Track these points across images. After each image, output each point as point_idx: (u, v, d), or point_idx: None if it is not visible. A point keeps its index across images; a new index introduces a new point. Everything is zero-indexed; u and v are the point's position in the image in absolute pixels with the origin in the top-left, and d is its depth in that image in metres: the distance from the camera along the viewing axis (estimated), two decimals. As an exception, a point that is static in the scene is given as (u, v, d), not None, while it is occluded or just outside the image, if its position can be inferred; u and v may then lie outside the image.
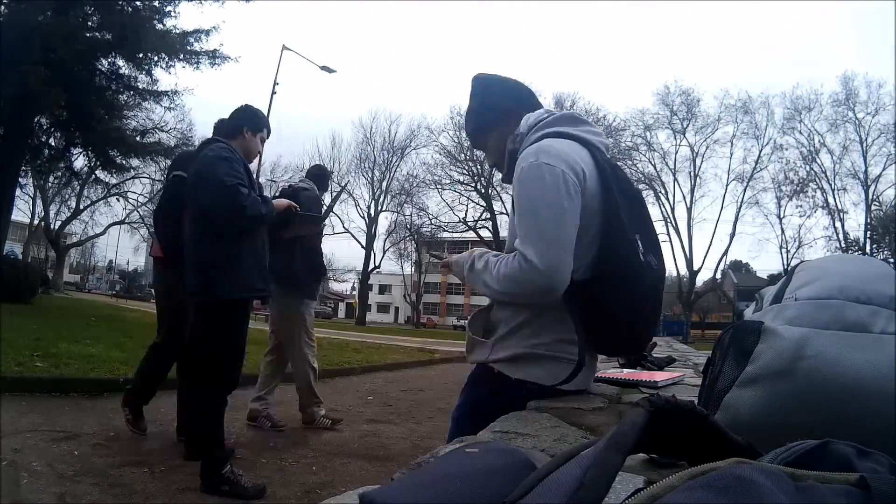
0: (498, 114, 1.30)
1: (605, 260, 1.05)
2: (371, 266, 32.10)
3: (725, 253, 28.43)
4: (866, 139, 25.04)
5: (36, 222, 27.84)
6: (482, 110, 1.33)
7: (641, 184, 27.55)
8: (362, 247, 31.34)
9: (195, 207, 2.25)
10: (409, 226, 30.30)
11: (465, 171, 28.57)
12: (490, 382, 1.15)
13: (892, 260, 23.31)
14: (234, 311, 2.25)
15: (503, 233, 28.77)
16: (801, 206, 26.33)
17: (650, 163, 28.08)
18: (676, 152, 27.95)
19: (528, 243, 1.02)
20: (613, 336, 1.13)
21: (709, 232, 28.03)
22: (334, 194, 11.87)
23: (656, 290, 1.12)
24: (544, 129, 1.16)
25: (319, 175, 3.81)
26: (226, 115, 2.62)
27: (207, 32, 11.42)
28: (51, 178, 20.85)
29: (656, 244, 1.15)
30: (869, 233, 25.56)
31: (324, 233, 4.11)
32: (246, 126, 2.47)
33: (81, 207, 26.50)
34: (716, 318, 40.43)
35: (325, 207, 3.77)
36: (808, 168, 26.07)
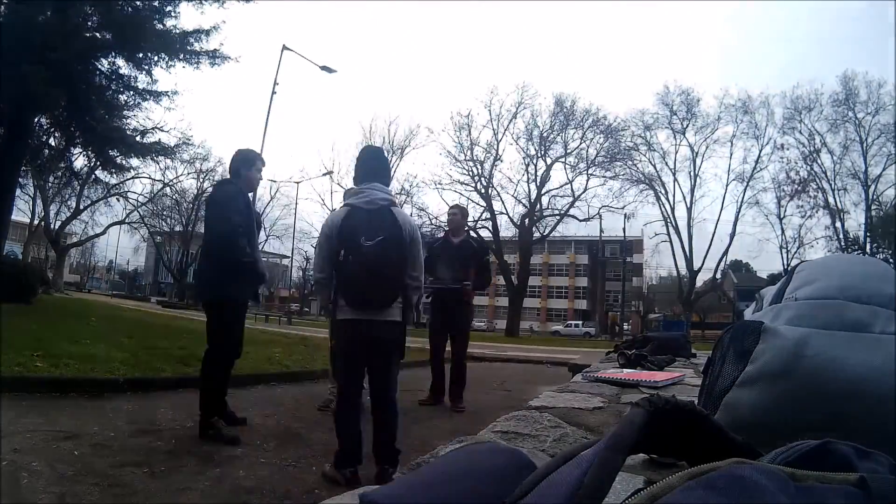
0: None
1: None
2: (371, 266, 32.02)
3: (725, 253, 28.45)
4: (866, 139, 25.06)
5: (36, 222, 27.85)
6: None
7: (641, 183, 27.63)
8: (362, 247, 31.30)
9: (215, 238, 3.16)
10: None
11: (465, 171, 28.60)
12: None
13: (892, 260, 23.29)
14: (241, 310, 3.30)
15: (503, 232, 28.93)
16: (801, 206, 26.35)
17: (650, 163, 28.11)
18: (676, 152, 28.00)
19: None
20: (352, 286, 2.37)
21: (709, 232, 27.99)
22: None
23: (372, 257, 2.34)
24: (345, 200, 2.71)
25: None
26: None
27: (207, 32, 11.40)
28: (51, 178, 20.87)
29: (378, 234, 2.34)
30: (869, 233, 25.53)
31: None
32: (242, 167, 3.27)
33: (81, 207, 26.53)
34: (716, 318, 40.42)
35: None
36: (808, 168, 26.08)
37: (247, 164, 3.26)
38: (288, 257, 39.93)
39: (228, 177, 3.34)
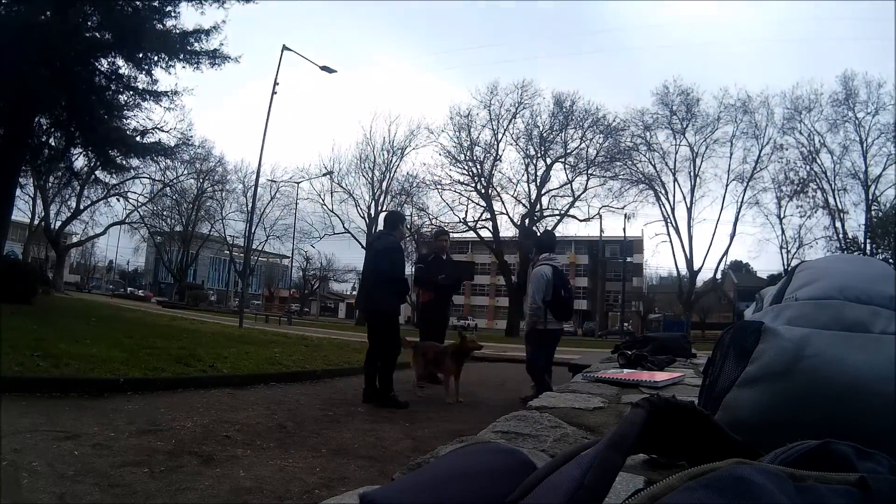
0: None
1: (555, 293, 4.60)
2: (371, 266, 32.01)
3: (725, 253, 28.45)
4: (866, 139, 25.02)
5: (36, 222, 27.83)
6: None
7: (641, 183, 27.62)
8: (362, 247, 31.36)
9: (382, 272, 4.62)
10: (409, 226, 30.32)
11: (464, 172, 28.58)
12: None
13: (892, 260, 23.27)
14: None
15: (503, 232, 28.88)
16: (801, 206, 26.31)
17: (650, 163, 28.06)
18: (676, 152, 27.94)
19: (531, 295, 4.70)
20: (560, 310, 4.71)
21: (709, 232, 27.98)
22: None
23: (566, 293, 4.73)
24: (542, 261, 4.78)
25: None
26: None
27: (207, 32, 11.40)
28: (51, 178, 20.86)
29: (567, 285, 4.84)
30: (869, 233, 25.51)
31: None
32: (400, 223, 5.06)
33: (81, 207, 26.52)
34: (716, 318, 40.39)
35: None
36: (808, 168, 26.05)
37: (401, 220, 5.26)
38: (288, 257, 39.91)
39: (383, 229, 4.88)
